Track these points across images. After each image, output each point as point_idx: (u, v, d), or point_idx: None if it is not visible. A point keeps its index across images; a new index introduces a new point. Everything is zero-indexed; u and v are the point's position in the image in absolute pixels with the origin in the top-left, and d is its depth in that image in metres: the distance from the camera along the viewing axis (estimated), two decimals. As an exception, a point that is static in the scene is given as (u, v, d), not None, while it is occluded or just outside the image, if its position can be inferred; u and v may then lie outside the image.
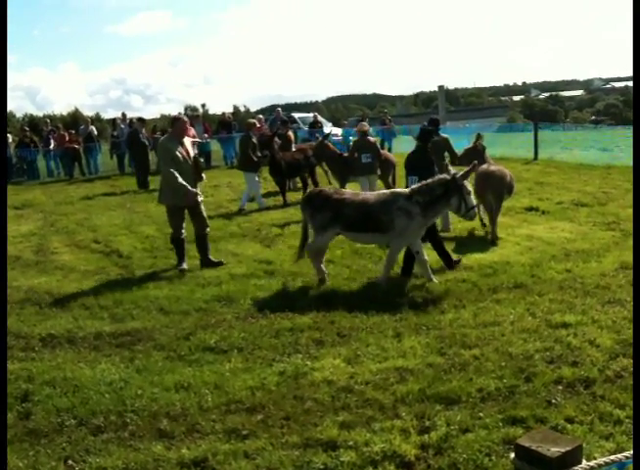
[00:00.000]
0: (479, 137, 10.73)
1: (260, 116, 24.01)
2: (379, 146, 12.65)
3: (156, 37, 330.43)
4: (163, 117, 54.14)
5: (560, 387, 4.55)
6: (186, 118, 8.81)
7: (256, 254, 9.11)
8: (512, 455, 1.54)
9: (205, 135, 22.10)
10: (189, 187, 8.15)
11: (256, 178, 13.66)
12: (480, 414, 4.21)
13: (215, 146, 23.50)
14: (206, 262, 8.50)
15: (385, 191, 7.96)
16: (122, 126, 22.29)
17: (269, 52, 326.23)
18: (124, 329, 6.28)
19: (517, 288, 6.86)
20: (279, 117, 22.88)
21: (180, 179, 8.06)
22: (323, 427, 4.14)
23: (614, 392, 4.42)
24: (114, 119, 23.89)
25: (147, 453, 3.99)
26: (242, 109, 67.86)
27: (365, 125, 12.83)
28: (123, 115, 23.74)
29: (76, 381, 5.10)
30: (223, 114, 27.13)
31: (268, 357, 5.38)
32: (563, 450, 1.46)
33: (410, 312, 6.33)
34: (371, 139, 12.27)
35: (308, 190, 8.23)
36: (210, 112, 61.99)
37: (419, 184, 7.23)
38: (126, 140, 19.13)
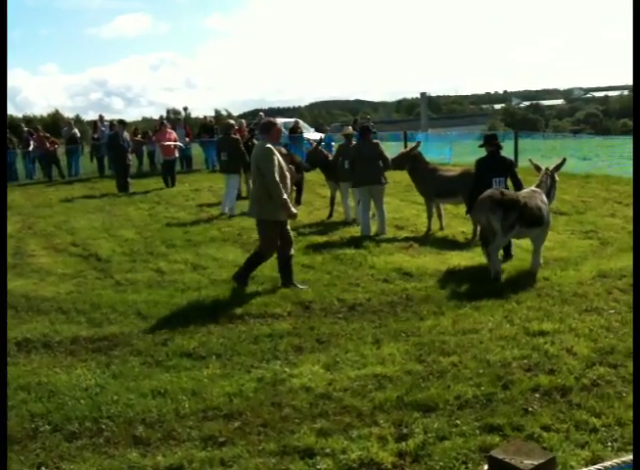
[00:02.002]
0: (417, 145, 11.39)
1: (242, 120, 23.95)
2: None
3: (136, 40, 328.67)
4: (145, 119, 53.88)
5: (537, 395, 4.57)
6: (280, 123, 7.93)
7: (237, 259, 9.05)
8: (485, 468, 1.54)
9: (187, 139, 22.00)
10: (291, 205, 7.34)
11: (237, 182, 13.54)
12: (458, 422, 4.22)
13: (197, 150, 23.41)
14: (289, 285, 7.45)
15: (528, 189, 8.20)
16: (103, 129, 22.13)
17: (252, 56, 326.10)
18: (101, 334, 6.22)
19: (495, 295, 6.90)
20: (261, 121, 22.92)
21: (285, 196, 7.22)
22: (300, 434, 4.13)
23: (590, 400, 4.45)
24: (94, 122, 23.68)
25: (122, 460, 3.94)
26: (224, 113, 67.65)
27: (350, 129, 12.47)
28: (101, 117, 23.57)
29: (52, 386, 5.04)
30: (205, 117, 27.05)
31: (246, 364, 5.35)
32: (536, 463, 1.47)
33: (390, 319, 6.34)
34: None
35: (489, 192, 7.62)
36: (193, 115, 61.78)
37: (537, 181, 8.24)
38: (107, 143, 18.98)
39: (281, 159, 7.38)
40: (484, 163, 8.79)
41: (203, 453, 3.97)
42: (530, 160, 9.10)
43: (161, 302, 7.09)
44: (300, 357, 5.45)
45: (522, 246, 8.83)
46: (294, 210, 7.36)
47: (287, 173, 7.44)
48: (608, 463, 1.58)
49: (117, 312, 6.82)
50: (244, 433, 4.21)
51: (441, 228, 10.57)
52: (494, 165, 8.65)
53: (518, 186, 8.54)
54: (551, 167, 8.47)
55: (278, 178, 7.14)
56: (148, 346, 5.86)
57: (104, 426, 4.39)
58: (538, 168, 8.54)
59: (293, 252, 7.69)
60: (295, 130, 23.84)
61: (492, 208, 7.50)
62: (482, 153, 9.08)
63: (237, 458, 3.90)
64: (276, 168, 7.16)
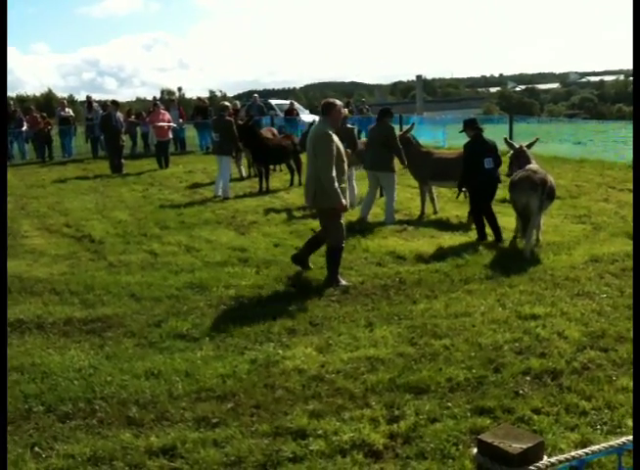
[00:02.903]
0: (410, 128, 11.46)
1: (237, 101, 23.82)
2: (355, 135, 11.52)
3: (128, 20, 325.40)
4: (139, 99, 53.50)
5: (528, 378, 4.62)
6: (341, 104, 7.18)
7: (231, 241, 9.07)
8: (474, 451, 1.56)
9: (181, 120, 21.88)
10: (342, 197, 6.81)
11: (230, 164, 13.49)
12: (449, 404, 4.25)
13: (191, 131, 23.29)
14: (334, 280, 6.95)
15: (535, 166, 8.41)
16: (97, 109, 21.97)
17: (246, 37, 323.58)
18: (95, 315, 6.22)
19: (488, 279, 6.93)
20: (256, 103, 22.79)
21: (336, 185, 6.73)
22: (293, 416, 4.16)
23: (580, 383, 4.49)
24: (88, 101, 23.49)
25: (115, 441, 3.96)
26: (218, 94, 67.24)
27: (345, 111, 12.26)
28: (88, 98, 23.40)
29: (45, 367, 5.05)
30: (199, 98, 26.85)
31: (240, 345, 5.37)
32: (524, 447, 1.48)
33: (383, 302, 6.37)
34: (350, 127, 11.36)
35: (526, 173, 7.98)
36: (187, 96, 61.42)
37: (532, 158, 8.63)
38: (99, 123, 18.86)
39: (339, 143, 6.92)
40: (472, 146, 8.85)
41: (195, 434, 4.00)
42: (505, 139, 9.41)
43: (155, 283, 7.09)
44: (294, 340, 5.47)
45: (514, 230, 8.84)
46: (344, 200, 6.85)
47: (344, 158, 7.03)
48: (595, 447, 1.60)
49: (111, 294, 6.82)
50: (237, 414, 4.23)
51: (435, 212, 10.58)
52: (481, 147, 8.74)
53: (498, 164, 8.83)
54: (524, 145, 8.92)
55: (334, 165, 6.72)
56: (141, 327, 5.87)
57: (97, 407, 4.41)
58: (512, 146, 8.96)
59: (343, 244, 7.16)
60: (290, 112, 23.73)
61: (534, 188, 7.85)
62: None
63: (230, 439, 3.93)
64: (333, 154, 6.73)
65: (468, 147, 8.89)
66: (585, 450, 1.58)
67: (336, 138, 6.85)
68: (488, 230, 8.67)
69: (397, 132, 10.54)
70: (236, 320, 5.94)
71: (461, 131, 9.25)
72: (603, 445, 1.66)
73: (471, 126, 8.94)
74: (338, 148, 6.85)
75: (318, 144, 6.78)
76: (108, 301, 6.64)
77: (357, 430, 3.95)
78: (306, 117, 24.30)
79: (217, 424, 4.12)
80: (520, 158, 8.73)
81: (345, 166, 7.07)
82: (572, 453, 1.56)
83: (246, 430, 4.03)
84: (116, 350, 5.38)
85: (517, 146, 8.91)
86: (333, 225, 6.97)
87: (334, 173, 6.72)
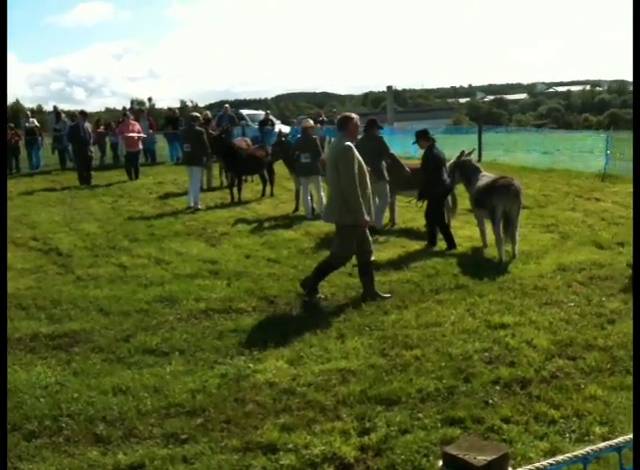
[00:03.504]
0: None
1: (208, 112, 23.73)
2: (319, 145, 11.75)
3: (98, 29, 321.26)
4: (108, 110, 53.08)
5: (497, 387, 4.65)
6: (357, 117, 6.96)
7: (201, 253, 9.01)
8: (439, 463, 1.56)
9: (151, 131, 21.73)
10: (365, 212, 6.65)
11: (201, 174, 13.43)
12: (420, 415, 4.26)
13: (161, 142, 23.14)
14: (371, 294, 6.81)
15: (496, 175, 8.76)
16: (65, 120, 21.72)
17: (218, 47, 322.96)
18: (62, 330, 6.11)
19: (458, 289, 6.98)
20: (227, 113, 22.73)
21: (360, 199, 6.59)
22: (263, 430, 4.13)
23: (549, 392, 4.54)
24: (56, 112, 23.20)
25: (82, 459, 3.89)
26: (189, 104, 67.04)
27: (309, 121, 12.38)
28: (56, 108, 23.19)
29: (10, 384, 4.93)
30: (169, 109, 26.69)
31: (210, 359, 5.32)
32: (489, 459, 1.49)
33: (354, 313, 6.36)
34: (313, 137, 11.60)
35: (508, 180, 8.31)
36: (157, 106, 61.11)
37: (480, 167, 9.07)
38: (67, 134, 18.64)
39: (360, 158, 6.74)
40: (430, 157, 8.91)
41: (164, 451, 3.95)
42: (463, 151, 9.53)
43: (124, 297, 7.00)
44: (265, 353, 5.44)
45: (490, 242, 8.93)
46: (367, 217, 6.70)
47: (366, 173, 6.83)
48: (560, 457, 1.61)
49: (78, 308, 6.71)
50: (206, 429, 4.19)
51: (393, 223, 10.62)
52: (438, 158, 8.86)
53: (449, 175, 9.05)
54: (466, 153, 9.39)
55: (357, 180, 6.55)
56: (109, 342, 5.78)
57: (64, 424, 4.33)
58: (459, 156, 9.31)
59: (373, 257, 7.02)
60: (265, 123, 23.73)
61: (516, 193, 8.22)
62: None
63: (199, 455, 3.88)
64: (355, 168, 6.56)
65: (426, 158, 8.95)
66: (550, 461, 1.59)
67: (356, 152, 6.69)
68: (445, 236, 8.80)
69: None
70: (206, 334, 5.89)
71: (414, 142, 9.32)
72: (567, 455, 1.67)
73: (424, 137, 9.01)
74: (359, 162, 6.68)
75: (340, 158, 6.58)
76: (75, 315, 6.53)
77: (328, 443, 3.93)
78: (284, 127, 24.30)
79: (187, 440, 4.07)
80: (467, 167, 8.95)
81: (368, 181, 6.85)
82: (537, 465, 1.56)
83: (215, 445, 3.98)
84: (84, 365, 5.29)
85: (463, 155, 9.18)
86: (346, 243, 6.74)
87: (358, 189, 6.56)
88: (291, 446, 3.93)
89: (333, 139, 7.17)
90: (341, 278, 7.55)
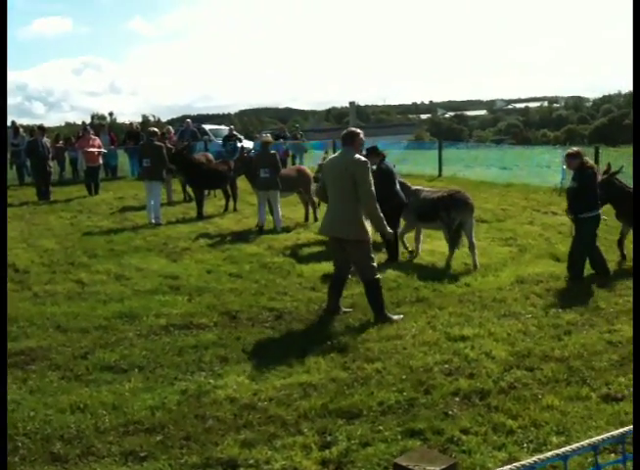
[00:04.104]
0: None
1: (170, 126, 23.58)
2: (279, 160, 11.95)
3: (57, 43, 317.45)
4: (68, 124, 52.39)
5: (457, 398, 4.70)
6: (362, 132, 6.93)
7: (162, 268, 8.92)
8: (392, 474, 1.58)
9: (112, 147, 21.50)
10: (385, 224, 6.72)
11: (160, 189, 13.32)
12: (380, 427, 4.28)
13: (122, 157, 22.89)
14: (335, 308, 6.80)
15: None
16: (24, 135, 21.36)
17: (180, 62, 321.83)
18: (18, 348, 5.98)
19: (419, 302, 7.06)
20: (189, 128, 22.63)
21: (380, 211, 6.62)
22: (224, 446, 4.10)
23: (507, 403, 4.61)
24: (14, 127, 22.81)
25: (37, 480, 3.80)
26: (151, 119, 66.54)
27: (268, 137, 12.52)
28: (14, 123, 22.82)
29: (-38, 404, 4.81)
30: (131, 123, 26.45)
31: (170, 376, 5.26)
32: (438, 469, 1.51)
33: (316, 327, 6.37)
34: (272, 152, 11.83)
35: (464, 194, 8.76)
36: (119, 120, 60.54)
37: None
38: (25, 149, 18.32)
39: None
40: (381, 171, 9.00)
41: (123, 469, 3.88)
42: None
43: (82, 314, 6.89)
44: (226, 368, 5.40)
45: (444, 253, 9.05)
46: (388, 227, 6.81)
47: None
48: (507, 467, 1.64)
49: (35, 326, 6.58)
50: (166, 447, 4.13)
51: None
52: (389, 173, 9.09)
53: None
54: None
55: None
56: (67, 360, 5.68)
57: (19, 443, 4.24)
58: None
59: (351, 276, 7.10)
60: (229, 138, 23.65)
61: (471, 207, 8.70)
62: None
63: (158, 473, 3.83)
64: (372, 181, 6.52)
65: (378, 173, 8.99)
66: (510, 467, 1.62)
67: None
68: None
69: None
70: (166, 350, 5.82)
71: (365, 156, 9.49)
72: (515, 464, 1.70)
73: (375, 153, 9.21)
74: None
75: (359, 172, 6.44)
76: (32, 333, 6.40)
77: (289, 458, 3.92)
78: (248, 143, 24.24)
79: (145, 458, 4.01)
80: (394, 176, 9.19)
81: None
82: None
83: (175, 463, 3.94)
84: (41, 383, 5.18)
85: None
86: (367, 257, 6.58)
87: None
88: (251, 461, 3.91)
89: (335, 154, 7.13)
90: (304, 292, 7.56)
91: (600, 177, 8.27)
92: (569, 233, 8.25)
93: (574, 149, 8.25)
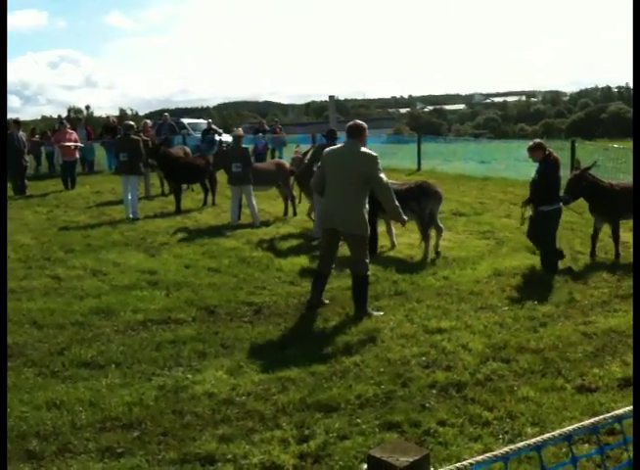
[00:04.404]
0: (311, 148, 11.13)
1: (148, 120, 23.41)
2: (250, 155, 12.03)
3: (32, 37, 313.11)
4: (44, 118, 51.73)
5: (434, 391, 4.74)
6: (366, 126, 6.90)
7: (140, 263, 8.85)
8: (364, 466, 1.59)
9: (89, 141, 21.28)
10: (401, 212, 6.73)
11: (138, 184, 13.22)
12: (358, 421, 4.30)
13: (99, 150, 22.68)
14: (317, 302, 6.83)
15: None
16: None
17: (158, 56, 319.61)
18: (-7, 345, 5.91)
19: (397, 295, 7.09)
20: (167, 122, 22.47)
21: (395, 200, 6.65)
22: (202, 441, 4.09)
23: (483, 394, 4.65)
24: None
25: (12, 477, 3.77)
26: (129, 112, 65.95)
27: (239, 131, 12.49)
28: None
29: (-64, 403, 4.75)
30: (108, 117, 26.21)
31: (148, 372, 5.23)
32: (411, 460, 1.54)
33: (295, 321, 6.38)
34: (244, 147, 11.84)
35: (429, 184, 9.06)
36: (96, 114, 59.93)
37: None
38: (1, 143, 18.06)
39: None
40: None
41: (100, 465, 3.87)
42: None
43: (58, 309, 6.82)
44: (204, 363, 5.39)
45: (422, 246, 9.09)
46: (403, 214, 6.80)
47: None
48: (480, 457, 1.66)
49: (11, 322, 6.49)
50: (143, 443, 4.12)
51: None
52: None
53: None
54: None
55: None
56: (43, 356, 5.62)
57: (-7, 442, 4.18)
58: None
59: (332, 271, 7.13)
60: (208, 132, 23.53)
61: (440, 197, 9.04)
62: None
63: (135, 469, 3.82)
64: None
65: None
66: (470, 461, 1.64)
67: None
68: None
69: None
70: (144, 346, 5.79)
71: (327, 139, 9.76)
72: (488, 454, 1.73)
73: (332, 137, 9.59)
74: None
75: (372, 169, 6.44)
76: (8, 329, 6.32)
77: (267, 452, 3.92)
78: (228, 137, 24.13)
79: (123, 454, 4.00)
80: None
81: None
82: (457, 465, 1.61)
83: (152, 458, 3.92)
84: (16, 380, 5.12)
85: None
86: (363, 252, 6.60)
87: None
88: (229, 456, 3.91)
89: (339, 145, 7.04)
90: (283, 287, 7.56)
91: (572, 174, 8.41)
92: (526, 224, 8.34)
93: (536, 141, 8.34)
